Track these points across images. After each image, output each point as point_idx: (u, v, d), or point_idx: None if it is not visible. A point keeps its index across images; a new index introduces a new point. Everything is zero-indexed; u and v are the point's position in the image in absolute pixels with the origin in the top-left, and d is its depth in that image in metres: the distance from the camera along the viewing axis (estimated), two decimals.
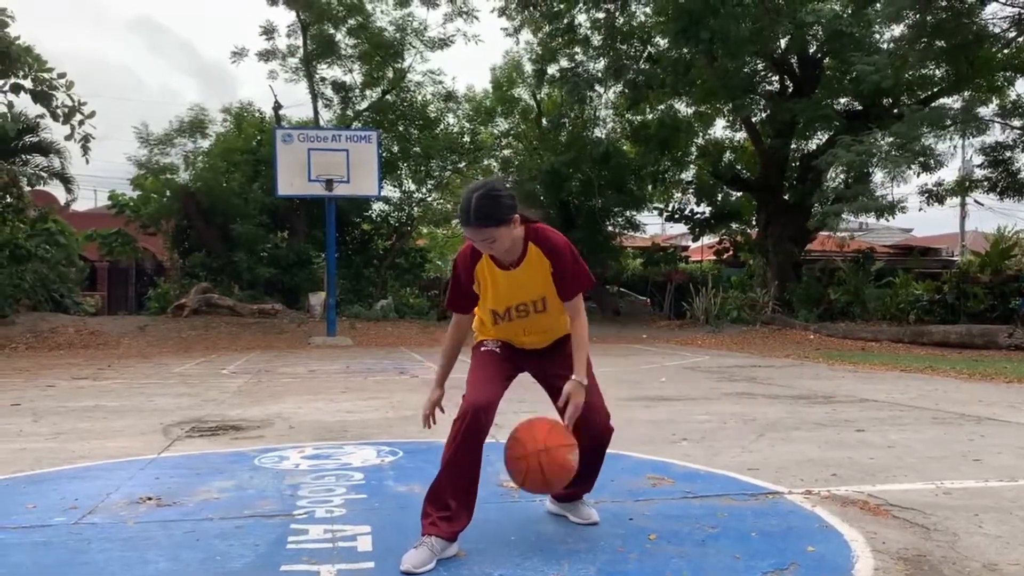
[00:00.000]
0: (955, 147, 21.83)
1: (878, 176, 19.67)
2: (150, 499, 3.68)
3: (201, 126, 23.92)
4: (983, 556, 2.78)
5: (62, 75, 15.25)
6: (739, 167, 26.28)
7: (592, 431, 3.01)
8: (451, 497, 2.77)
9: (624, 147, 24.99)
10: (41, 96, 15.13)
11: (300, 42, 23.83)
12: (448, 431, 2.83)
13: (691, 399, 7.53)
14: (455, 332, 3.11)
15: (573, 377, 2.86)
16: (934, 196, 22.11)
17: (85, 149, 15.86)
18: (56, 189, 22.17)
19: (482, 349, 3.08)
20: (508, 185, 2.79)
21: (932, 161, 18.14)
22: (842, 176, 21.93)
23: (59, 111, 15.34)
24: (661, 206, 27.27)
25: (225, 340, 17.42)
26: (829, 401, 7.29)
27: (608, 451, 3.24)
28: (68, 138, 15.75)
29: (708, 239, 29.47)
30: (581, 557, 2.79)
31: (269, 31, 23.70)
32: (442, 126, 25.95)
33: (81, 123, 15.53)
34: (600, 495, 3.50)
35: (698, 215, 26.52)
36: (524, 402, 6.72)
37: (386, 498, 3.70)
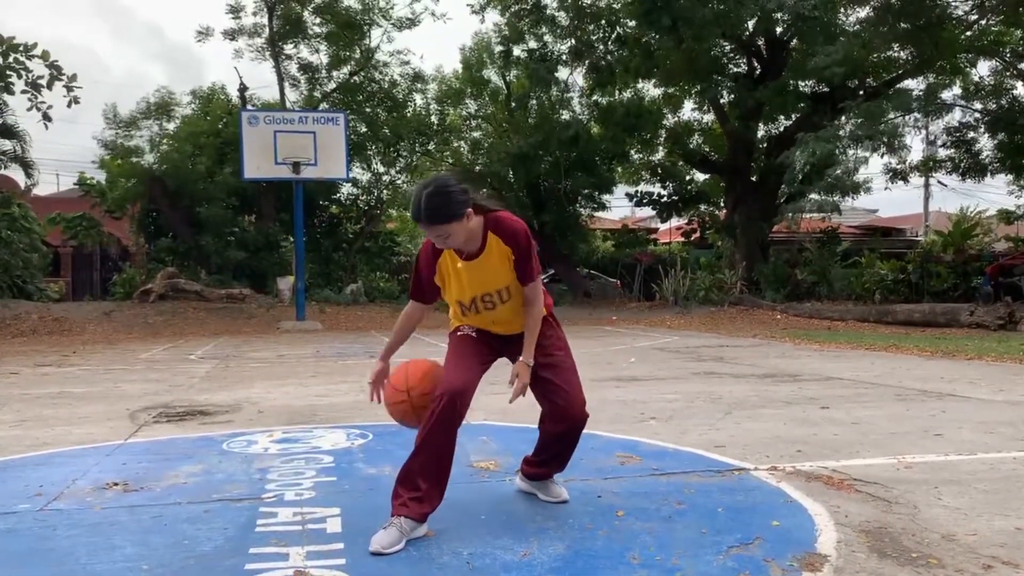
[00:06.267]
0: (920, 127, 22.18)
1: (838, 171, 20.00)
2: (117, 485, 3.64)
3: (167, 108, 23.54)
4: (942, 527, 2.85)
5: (34, 44, 14.99)
6: (707, 149, 26.41)
7: (567, 416, 3.03)
8: (423, 479, 2.77)
9: (593, 129, 25.00)
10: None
11: (266, 20, 23.49)
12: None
13: (660, 379, 7.59)
14: (410, 314, 3.14)
15: (521, 358, 2.93)
16: (898, 175, 22.45)
17: (46, 117, 15.65)
18: (16, 173, 21.78)
19: (459, 334, 3.08)
20: (459, 182, 2.77)
21: (896, 142, 18.43)
22: (806, 163, 22.19)
23: (39, 81, 15.18)
24: (628, 190, 27.40)
25: (193, 325, 17.25)
26: (795, 379, 7.39)
27: None
28: (41, 109, 15.50)
29: (677, 221, 29.67)
30: (550, 535, 2.82)
31: (236, 9, 23.32)
32: (411, 107, 25.77)
33: (70, 88, 15.34)
34: (569, 474, 3.52)
35: (664, 198, 26.64)
36: (495, 384, 6.76)
37: (356, 480, 3.70)
